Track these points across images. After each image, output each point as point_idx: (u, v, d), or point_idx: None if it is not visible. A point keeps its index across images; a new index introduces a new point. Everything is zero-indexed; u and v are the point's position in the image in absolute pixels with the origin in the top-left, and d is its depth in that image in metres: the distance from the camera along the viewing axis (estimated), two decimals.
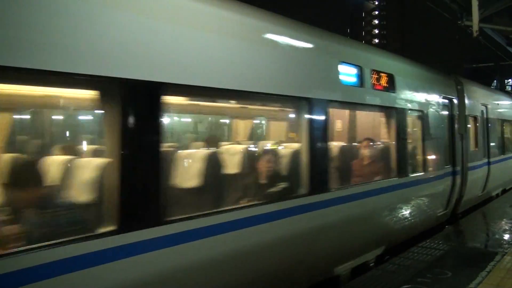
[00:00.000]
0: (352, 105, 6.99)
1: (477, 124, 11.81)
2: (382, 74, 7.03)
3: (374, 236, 6.92)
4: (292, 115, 6.33)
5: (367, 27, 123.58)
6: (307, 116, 5.45)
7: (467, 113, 10.57)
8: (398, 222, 7.56)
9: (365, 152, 7.44)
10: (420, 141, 8.44)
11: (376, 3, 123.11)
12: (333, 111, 6.19)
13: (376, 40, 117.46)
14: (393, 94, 7.34)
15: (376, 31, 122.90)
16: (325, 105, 5.65)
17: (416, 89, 8.27)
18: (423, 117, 8.45)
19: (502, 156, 14.10)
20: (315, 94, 5.50)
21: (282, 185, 5.41)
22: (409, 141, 7.98)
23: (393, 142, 7.46)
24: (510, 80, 32.19)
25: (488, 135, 12.60)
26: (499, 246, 7.70)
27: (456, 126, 9.98)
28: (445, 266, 6.54)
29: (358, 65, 6.45)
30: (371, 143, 7.64)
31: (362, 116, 8.13)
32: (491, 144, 12.83)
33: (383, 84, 7.04)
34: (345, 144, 7.70)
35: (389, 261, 6.92)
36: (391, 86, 7.26)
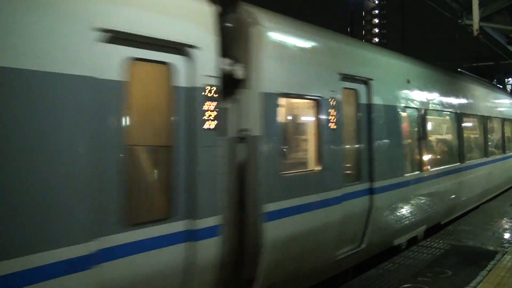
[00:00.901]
0: None
1: (331, 116, 5.88)
2: None
3: None
4: None
5: (367, 26, 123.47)
6: None
7: (275, 90, 5.12)
8: None
9: None
10: None
11: (376, 1, 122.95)
12: None
13: (377, 39, 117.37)
14: None
15: (377, 30, 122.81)
16: None
17: None
18: None
19: (415, 175, 8.07)
20: None
21: None
22: None
23: None
24: (510, 79, 32.14)
25: (371, 137, 6.81)
26: (499, 245, 7.70)
27: (204, 118, 4.34)
28: (446, 265, 6.54)
29: None
30: None
31: None
32: (382, 155, 7.02)
33: None
34: None
35: (390, 260, 6.92)
36: None
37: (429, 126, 9.16)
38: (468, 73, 13.91)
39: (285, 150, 5.58)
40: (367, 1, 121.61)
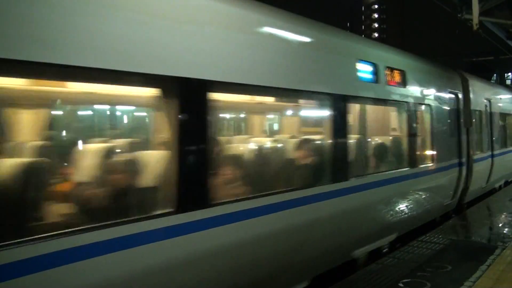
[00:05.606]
0: None
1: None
2: None
3: None
4: None
5: (367, 21, 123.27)
6: None
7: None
8: None
9: None
10: None
11: None
12: None
13: (376, 34, 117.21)
14: None
15: (376, 25, 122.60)
16: None
17: None
18: None
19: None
20: None
21: None
22: None
23: None
24: (510, 74, 32.13)
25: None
26: (499, 239, 7.71)
27: None
28: (445, 259, 6.55)
29: None
30: None
31: None
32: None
33: None
34: None
35: (389, 255, 6.93)
36: None
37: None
38: None
39: None
40: None
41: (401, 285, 5.63)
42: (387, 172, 7.24)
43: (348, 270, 6.43)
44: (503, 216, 9.77)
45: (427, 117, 8.66)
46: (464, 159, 10.11)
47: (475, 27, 9.52)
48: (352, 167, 6.20)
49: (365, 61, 6.78)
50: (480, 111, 11.96)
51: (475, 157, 10.82)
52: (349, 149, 6.21)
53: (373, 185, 6.64)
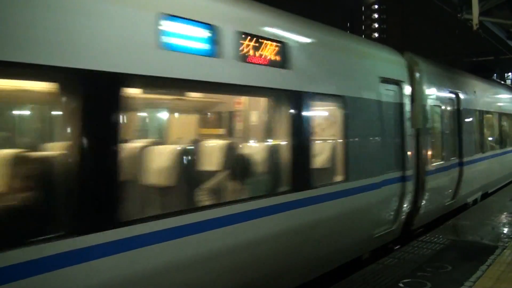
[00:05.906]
0: None
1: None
2: None
3: None
4: None
5: (367, 21, 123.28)
6: None
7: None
8: None
9: None
10: None
11: None
12: None
13: (376, 34, 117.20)
14: None
15: (376, 25, 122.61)
16: None
17: None
18: None
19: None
20: None
21: None
22: None
23: None
24: (510, 74, 32.13)
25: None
26: (499, 239, 7.70)
27: None
28: (445, 260, 6.55)
29: None
30: None
31: None
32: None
33: None
34: None
35: (389, 255, 6.93)
36: None
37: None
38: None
39: None
40: None
41: (401, 285, 5.63)
42: (236, 205, 4.52)
43: (348, 270, 6.44)
44: (503, 216, 9.77)
45: (335, 115, 6.22)
46: (410, 171, 7.62)
47: (475, 27, 9.52)
48: (143, 201, 3.88)
49: (182, 18, 4.06)
50: (441, 107, 9.36)
51: (430, 167, 8.41)
52: (122, 168, 3.49)
53: (198, 227, 3.99)
